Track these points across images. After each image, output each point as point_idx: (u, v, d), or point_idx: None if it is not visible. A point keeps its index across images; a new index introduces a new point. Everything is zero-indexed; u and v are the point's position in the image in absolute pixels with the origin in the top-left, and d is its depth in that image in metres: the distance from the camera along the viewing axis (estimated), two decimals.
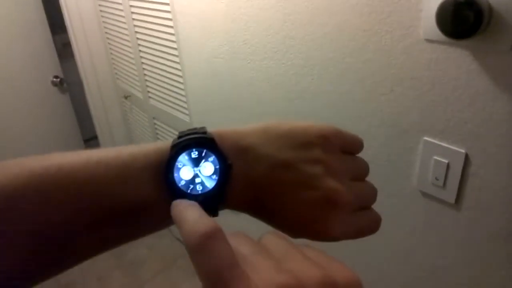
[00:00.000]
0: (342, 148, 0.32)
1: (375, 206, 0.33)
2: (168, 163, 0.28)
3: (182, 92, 1.52)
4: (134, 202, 0.27)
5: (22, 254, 0.25)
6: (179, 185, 0.28)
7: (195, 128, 0.30)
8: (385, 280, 1.02)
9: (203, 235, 0.20)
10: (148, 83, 1.75)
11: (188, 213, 0.23)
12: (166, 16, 1.40)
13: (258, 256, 0.21)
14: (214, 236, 0.20)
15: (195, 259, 0.20)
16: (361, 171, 0.33)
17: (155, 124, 1.88)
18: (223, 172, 0.28)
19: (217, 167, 0.28)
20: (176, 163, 0.28)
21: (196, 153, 0.28)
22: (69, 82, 2.27)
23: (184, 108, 1.56)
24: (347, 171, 0.31)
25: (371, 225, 0.32)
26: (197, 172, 0.28)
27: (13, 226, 0.25)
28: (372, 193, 0.33)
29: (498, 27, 0.59)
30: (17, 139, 2.09)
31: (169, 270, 2.08)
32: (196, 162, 0.28)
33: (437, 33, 0.64)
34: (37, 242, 0.25)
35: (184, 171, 0.28)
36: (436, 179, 0.78)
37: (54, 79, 2.16)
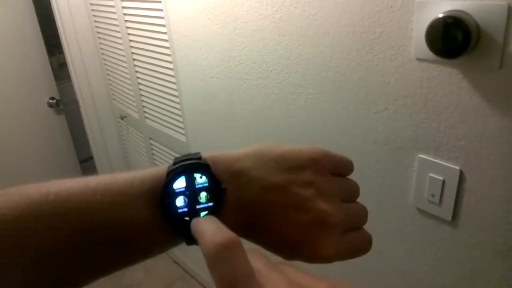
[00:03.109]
0: (333, 171, 0.32)
1: (372, 223, 0.33)
2: (163, 189, 0.28)
3: (179, 112, 1.53)
4: (130, 228, 0.28)
5: (20, 280, 0.25)
6: (175, 210, 0.28)
7: (190, 154, 0.30)
8: None
9: (221, 245, 0.21)
10: (144, 103, 1.76)
11: (207, 224, 0.24)
12: (162, 37, 1.42)
13: (271, 271, 0.22)
14: (232, 247, 0.21)
15: (213, 269, 0.20)
16: (352, 192, 0.34)
17: (151, 144, 1.88)
18: (217, 197, 0.29)
19: (212, 192, 0.29)
20: (171, 189, 0.28)
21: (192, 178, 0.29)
22: (65, 103, 2.28)
23: (181, 128, 1.57)
24: (337, 192, 0.32)
25: (363, 246, 0.33)
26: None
27: (12, 253, 0.25)
28: (363, 214, 0.34)
29: (486, 46, 0.61)
30: (13, 161, 2.08)
31: None
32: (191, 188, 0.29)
33: (427, 52, 0.65)
34: (35, 268, 0.25)
35: (180, 197, 0.28)
36: (432, 196, 0.78)
37: (50, 101, 2.17)
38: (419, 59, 0.71)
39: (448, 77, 0.69)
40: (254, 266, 0.21)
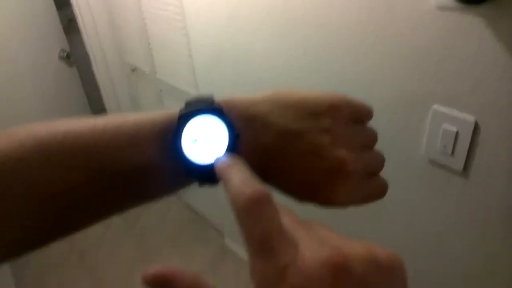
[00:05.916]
0: (352, 117, 0.31)
1: (383, 174, 0.34)
2: (175, 133, 0.27)
3: (190, 65, 1.51)
4: (140, 168, 0.27)
5: (30, 222, 0.25)
6: (187, 154, 0.27)
7: (202, 96, 0.29)
8: (393, 248, 1.05)
9: (250, 199, 0.19)
10: (154, 57, 1.74)
11: (235, 172, 0.22)
12: None
13: (300, 229, 0.21)
14: (263, 200, 0.20)
15: (242, 222, 0.19)
16: (370, 139, 0.33)
17: (162, 96, 1.88)
18: (231, 141, 0.28)
19: (225, 136, 0.28)
20: (184, 132, 0.27)
21: (204, 122, 0.28)
22: (76, 56, 2.26)
23: (192, 81, 1.56)
24: (356, 140, 0.31)
25: (378, 192, 0.33)
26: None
27: (21, 194, 0.24)
28: (379, 161, 0.34)
29: None
30: (25, 113, 2.11)
31: (179, 237, 2.13)
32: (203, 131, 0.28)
33: (449, 0, 0.62)
34: (45, 209, 0.25)
35: (191, 140, 0.28)
36: (445, 147, 0.79)
37: (61, 53, 2.15)
38: (440, 8, 0.68)
39: (469, 26, 0.66)
40: (284, 222, 0.20)
